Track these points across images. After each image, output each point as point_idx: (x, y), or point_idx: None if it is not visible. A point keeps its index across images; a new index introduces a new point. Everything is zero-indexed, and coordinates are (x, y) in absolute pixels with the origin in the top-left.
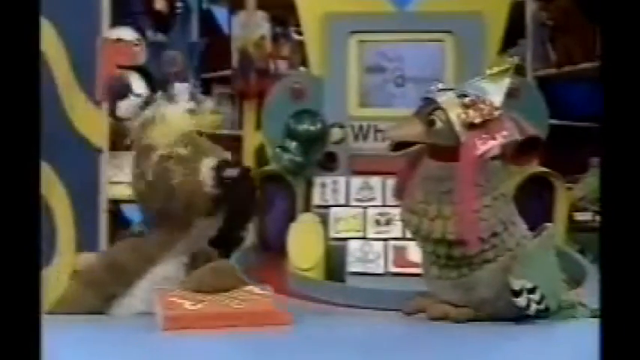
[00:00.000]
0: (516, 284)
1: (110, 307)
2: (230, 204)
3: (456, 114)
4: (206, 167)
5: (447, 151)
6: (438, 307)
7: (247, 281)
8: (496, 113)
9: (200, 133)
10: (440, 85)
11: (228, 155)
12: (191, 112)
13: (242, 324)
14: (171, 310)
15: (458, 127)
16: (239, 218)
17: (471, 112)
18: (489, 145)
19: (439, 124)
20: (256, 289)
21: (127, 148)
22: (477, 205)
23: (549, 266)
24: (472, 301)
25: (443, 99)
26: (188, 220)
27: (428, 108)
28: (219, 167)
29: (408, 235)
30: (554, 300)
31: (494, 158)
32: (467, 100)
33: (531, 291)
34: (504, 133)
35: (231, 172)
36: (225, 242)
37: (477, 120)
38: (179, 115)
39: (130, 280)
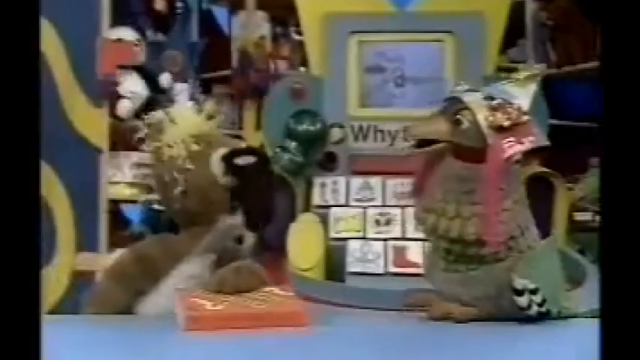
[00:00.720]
0: (519, 283)
1: (138, 304)
2: (247, 195)
3: (483, 116)
4: (216, 158)
5: (471, 151)
6: (442, 306)
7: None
8: (524, 118)
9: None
10: (466, 86)
11: (241, 144)
12: (197, 110)
13: (263, 325)
14: (193, 311)
15: (485, 129)
16: (258, 209)
17: (498, 114)
18: (516, 149)
19: (466, 124)
20: (278, 290)
21: (128, 148)
22: (500, 207)
23: (553, 271)
24: (477, 297)
25: (470, 99)
26: (209, 216)
27: (454, 107)
28: (230, 155)
29: (408, 235)
30: (555, 305)
31: (515, 162)
32: (494, 102)
33: (533, 292)
34: (531, 138)
35: (244, 160)
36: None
37: (506, 123)
38: (188, 114)
39: (158, 276)
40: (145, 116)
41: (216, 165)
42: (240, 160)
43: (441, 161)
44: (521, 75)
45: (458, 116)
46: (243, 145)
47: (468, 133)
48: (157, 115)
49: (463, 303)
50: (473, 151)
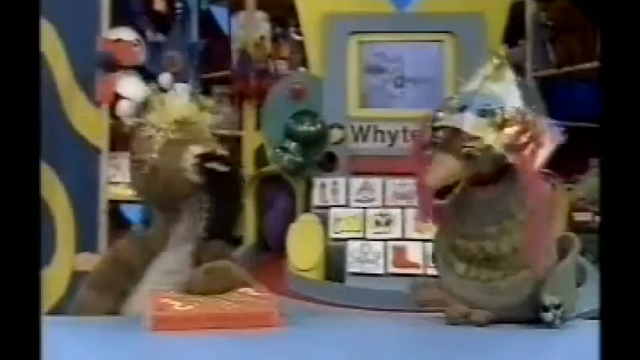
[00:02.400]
0: (548, 300)
1: (123, 306)
2: (215, 197)
3: (493, 139)
4: (190, 153)
5: (489, 174)
6: (459, 308)
7: (250, 282)
8: (528, 118)
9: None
10: (441, 114)
11: (222, 150)
12: (191, 100)
13: (232, 326)
14: (160, 311)
15: (501, 150)
16: (225, 214)
17: (507, 130)
18: (542, 154)
19: (477, 154)
20: (252, 291)
21: (128, 148)
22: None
23: (572, 281)
24: (493, 305)
25: (468, 125)
26: (173, 202)
27: (458, 140)
28: (204, 157)
29: (408, 235)
30: (573, 313)
31: None
32: (497, 119)
33: (557, 307)
34: (547, 136)
35: (217, 166)
36: (218, 235)
37: (525, 139)
38: (178, 101)
39: (137, 276)
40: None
41: (188, 159)
42: (213, 165)
43: (459, 190)
44: (490, 69)
45: (466, 149)
46: (221, 150)
47: (483, 161)
48: (149, 94)
49: (480, 308)
50: (492, 173)
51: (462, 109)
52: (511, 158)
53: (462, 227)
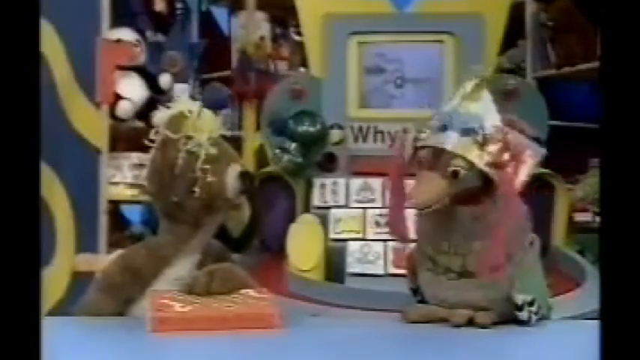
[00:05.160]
0: (519, 299)
1: (129, 311)
2: (252, 216)
3: (476, 157)
4: (233, 173)
5: (473, 192)
6: (462, 313)
7: (251, 284)
8: (509, 137)
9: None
10: (423, 134)
11: (246, 167)
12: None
13: (231, 327)
14: (160, 312)
15: (484, 168)
16: (256, 224)
17: (489, 148)
18: (524, 171)
19: (462, 173)
20: (253, 293)
21: (128, 148)
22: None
23: (540, 276)
24: (495, 300)
25: (451, 144)
26: (201, 218)
27: (443, 160)
28: (244, 176)
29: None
30: (546, 307)
31: None
32: (479, 138)
33: (531, 304)
34: (528, 152)
35: (253, 186)
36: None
37: (506, 157)
38: (212, 116)
39: (145, 283)
40: (169, 103)
41: (232, 179)
42: (250, 184)
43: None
44: (468, 88)
45: (451, 168)
46: (246, 167)
47: (466, 179)
48: (185, 104)
49: (479, 308)
50: (475, 191)
51: (443, 128)
52: (494, 176)
53: (442, 243)
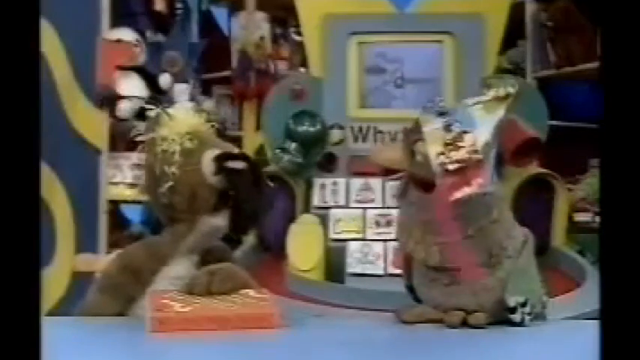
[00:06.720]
0: (511, 301)
1: (129, 311)
2: (236, 198)
3: (435, 151)
4: (208, 157)
5: (425, 182)
6: (456, 314)
7: (251, 284)
8: (474, 157)
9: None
10: (440, 104)
11: (234, 149)
12: (197, 110)
13: (231, 327)
14: (160, 312)
15: (435, 166)
16: (246, 214)
17: (449, 152)
18: (463, 192)
19: (419, 157)
20: (253, 293)
21: (128, 148)
22: (459, 238)
23: (534, 275)
24: (486, 304)
25: (428, 130)
26: (193, 214)
27: (413, 136)
28: (221, 157)
29: None
30: (540, 306)
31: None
32: (449, 137)
33: (523, 304)
34: (479, 180)
35: (235, 164)
36: (231, 239)
37: (451, 167)
38: (185, 112)
39: (146, 282)
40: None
41: (207, 164)
42: (232, 164)
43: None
44: (490, 96)
45: (413, 147)
46: (235, 149)
47: (421, 166)
48: (156, 110)
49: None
50: (427, 182)
51: (442, 114)
52: (438, 180)
53: (415, 230)
